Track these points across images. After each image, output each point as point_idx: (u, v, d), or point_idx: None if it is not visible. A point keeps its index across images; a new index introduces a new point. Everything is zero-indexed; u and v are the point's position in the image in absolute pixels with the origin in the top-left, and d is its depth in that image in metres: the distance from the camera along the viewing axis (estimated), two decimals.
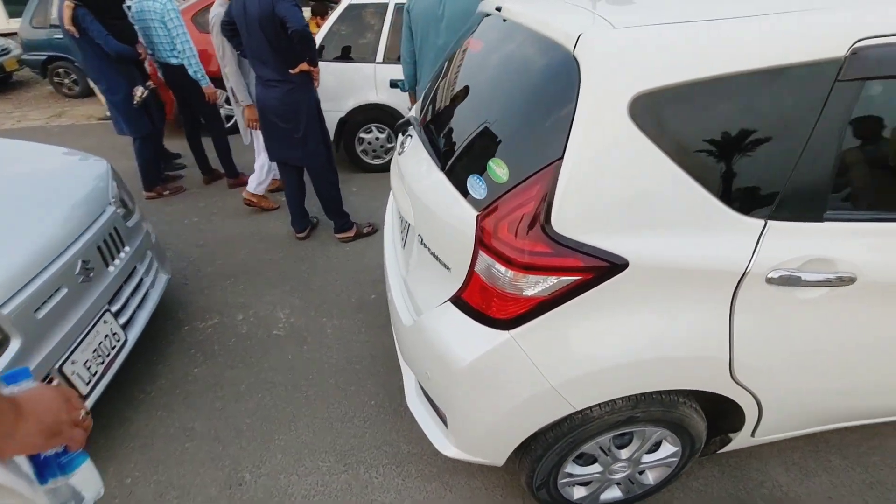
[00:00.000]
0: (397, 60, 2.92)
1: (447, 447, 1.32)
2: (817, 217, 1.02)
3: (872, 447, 1.72)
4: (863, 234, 1.05)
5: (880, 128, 1.04)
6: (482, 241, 1.05)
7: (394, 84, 3.38)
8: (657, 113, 0.92)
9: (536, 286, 1.01)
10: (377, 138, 3.85)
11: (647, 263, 0.99)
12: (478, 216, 1.06)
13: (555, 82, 1.01)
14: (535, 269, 0.99)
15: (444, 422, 1.30)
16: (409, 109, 2.83)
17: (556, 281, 1.00)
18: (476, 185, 1.09)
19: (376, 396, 1.92)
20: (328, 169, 2.69)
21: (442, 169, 1.25)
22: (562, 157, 0.94)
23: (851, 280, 1.05)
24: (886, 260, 1.07)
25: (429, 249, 1.27)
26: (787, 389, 1.22)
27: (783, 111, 0.96)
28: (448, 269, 1.19)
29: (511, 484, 1.60)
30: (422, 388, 1.42)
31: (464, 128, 1.26)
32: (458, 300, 1.16)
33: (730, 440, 1.39)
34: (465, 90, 1.36)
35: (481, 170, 1.09)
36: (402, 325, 1.41)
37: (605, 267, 0.98)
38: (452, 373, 1.16)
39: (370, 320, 2.32)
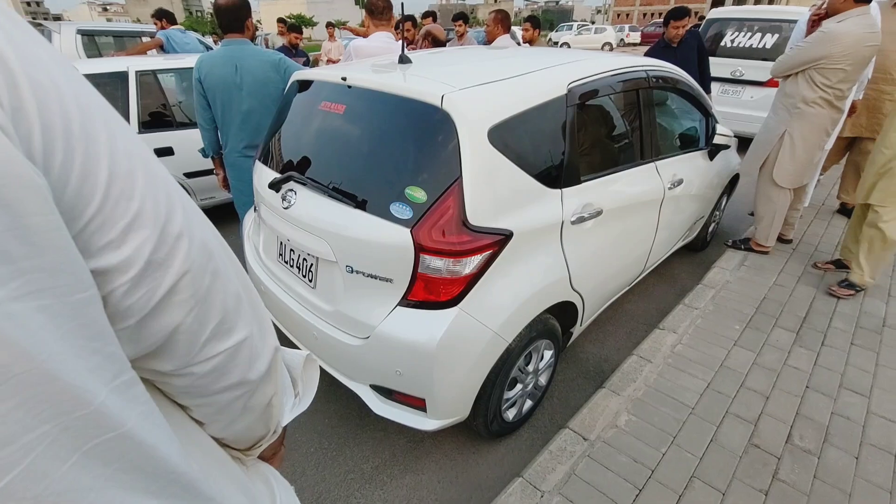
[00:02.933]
0: (158, 128, 2.76)
1: (428, 423, 1.61)
2: (578, 181, 1.81)
3: (617, 315, 2.84)
4: (599, 184, 1.90)
5: (593, 127, 1.92)
6: (422, 247, 1.43)
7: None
8: (502, 137, 1.50)
9: (468, 266, 1.46)
10: None
11: (521, 230, 1.56)
12: (411, 231, 1.43)
13: (435, 127, 1.47)
14: (465, 253, 1.44)
15: (421, 406, 1.59)
16: (217, 175, 2.78)
17: (479, 258, 1.47)
18: (401, 210, 1.45)
19: (313, 442, 1.97)
20: None
21: (358, 206, 1.54)
22: (461, 175, 1.41)
23: (601, 211, 1.88)
24: (611, 196, 1.95)
25: (364, 273, 1.55)
26: (593, 284, 2.02)
27: (552, 126, 1.68)
28: (390, 280, 1.51)
29: (464, 438, 1.98)
30: (380, 392, 1.66)
31: (364, 172, 1.59)
32: (407, 302, 1.50)
33: (571, 334, 2.14)
34: (349, 144, 1.67)
35: (401, 197, 1.46)
36: (348, 349, 1.61)
37: (503, 239, 1.51)
38: (426, 357, 1.48)
39: None
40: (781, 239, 3.24)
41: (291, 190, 1.77)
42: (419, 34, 3.25)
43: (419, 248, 1.43)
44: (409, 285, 1.48)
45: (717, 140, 2.72)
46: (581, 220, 1.79)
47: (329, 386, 2.06)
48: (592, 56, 2.07)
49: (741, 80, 5.82)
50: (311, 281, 1.77)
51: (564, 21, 52.11)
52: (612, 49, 23.85)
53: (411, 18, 4.34)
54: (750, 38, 5.76)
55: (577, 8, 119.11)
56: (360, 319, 1.60)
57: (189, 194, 3.91)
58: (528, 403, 2.04)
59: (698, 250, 3.57)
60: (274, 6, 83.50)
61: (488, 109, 1.49)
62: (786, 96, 2.81)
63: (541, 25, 4.82)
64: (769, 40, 5.63)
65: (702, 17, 6.38)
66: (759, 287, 2.76)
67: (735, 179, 3.51)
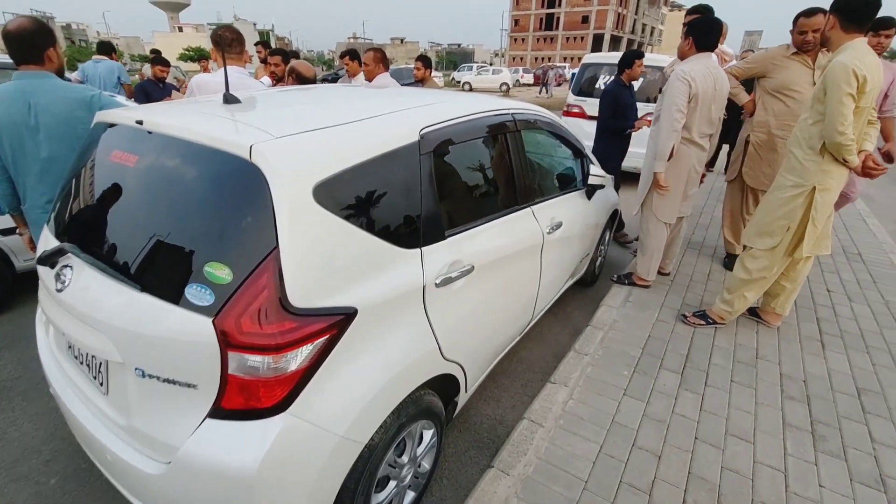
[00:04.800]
0: None
1: None
2: (443, 237, 1.60)
3: (512, 366, 2.67)
4: (468, 238, 1.71)
5: (457, 176, 1.74)
6: (228, 343, 1.09)
7: None
8: (335, 194, 1.23)
9: (296, 359, 1.14)
10: None
11: (369, 304, 1.29)
12: (213, 321, 1.09)
13: (240, 185, 1.16)
14: (289, 345, 1.12)
15: None
16: (20, 234, 2.19)
17: (310, 347, 1.16)
18: (199, 293, 1.11)
19: None
20: None
21: (145, 290, 1.16)
22: (277, 245, 1.11)
23: (472, 268, 1.69)
24: (484, 249, 1.77)
25: (158, 378, 1.16)
26: (472, 347, 1.79)
27: (404, 178, 1.46)
28: (194, 386, 1.14)
29: None
30: None
31: (155, 244, 1.21)
32: (218, 411, 1.13)
33: (456, 403, 1.89)
34: (139, 206, 1.29)
35: (199, 277, 1.11)
36: (148, 478, 1.20)
37: (343, 319, 1.22)
38: (243, 487, 1.12)
39: None
40: (661, 272, 3.36)
41: (67, 265, 1.34)
42: (286, 71, 2.96)
43: (226, 343, 1.09)
44: (218, 391, 1.12)
45: (591, 181, 2.74)
46: (448, 280, 1.57)
47: None
48: (453, 98, 1.93)
49: None
50: (102, 384, 1.33)
51: (466, 62, 55.30)
52: (508, 88, 25.52)
53: (281, 52, 4.04)
54: None
55: (477, 51, 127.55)
56: (159, 438, 1.20)
57: (7, 255, 3.06)
58: (411, 495, 1.73)
59: (588, 285, 3.60)
60: (169, 38, 78.44)
61: (316, 161, 1.22)
62: (650, 144, 2.96)
63: (432, 65, 4.78)
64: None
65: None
66: (643, 324, 2.76)
67: (615, 214, 3.62)
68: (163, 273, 1.18)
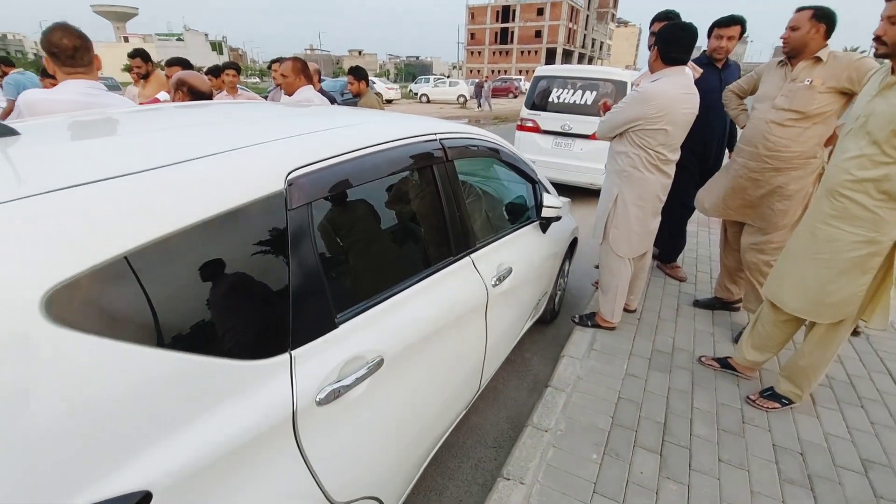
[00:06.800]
0: None
1: None
2: (332, 325, 1.09)
3: (460, 437, 2.18)
4: (370, 320, 1.21)
5: (347, 234, 1.23)
6: None
7: None
8: (85, 300, 0.70)
9: None
10: None
11: (179, 479, 0.76)
12: None
13: None
14: None
15: None
16: None
17: None
18: None
19: None
20: None
21: None
22: None
23: (381, 360, 1.19)
24: (398, 329, 1.28)
25: None
26: (387, 467, 1.29)
27: (254, 249, 0.94)
28: None
29: None
30: None
31: None
32: None
33: None
34: None
35: None
36: None
37: None
38: None
39: None
40: (626, 309, 2.97)
41: None
42: (170, 83, 2.38)
43: None
44: None
45: (546, 213, 2.31)
46: (338, 392, 1.06)
47: None
48: (361, 121, 1.43)
49: (570, 134, 6.04)
50: None
51: (425, 74, 55.39)
52: (466, 100, 25.41)
53: (180, 62, 3.44)
54: (573, 95, 6.03)
55: (435, 63, 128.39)
56: None
57: None
58: None
59: (548, 322, 3.18)
60: (114, 48, 73.95)
61: (63, 247, 0.69)
62: (613, 159, 2.56)
63: (367, 77, 4.28)
64: (589, 97, 5.94)
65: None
66: (611, 381, 2.34)
67: (574, 242, 3.24)
68: None
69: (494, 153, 2.05)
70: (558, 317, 3.31)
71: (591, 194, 6.12)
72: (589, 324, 2.86)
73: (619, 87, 5.73)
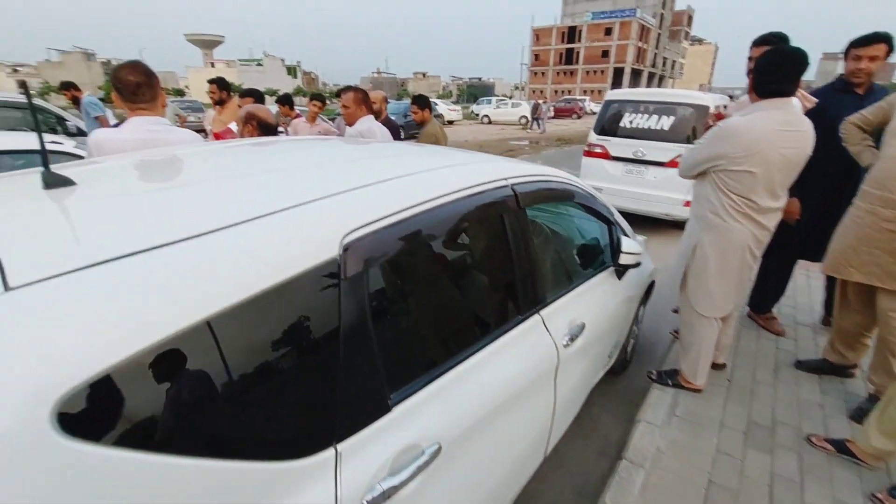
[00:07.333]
0: None
1: None
2: (385, 408, 0.95)
3: None
4: (428, 398, 1.05)
5: (404, 301, 1.09)
6: None
7: None
8: (106, 408, 0.60)
9: None
10: None
11: None
12: None
13: None
14: None
15: None
16: None
17: None
18: None
19: None
20: None
21: None
22: None
23: (438, 450, 1.02)
24: (457, 410, 1.11)
25: None
26: None
27: (297, 327, 0.82)
28: None
29: None
30: None
31: None
32: None
33: None
34: None
35: None
36: None
37: None
38: None
39: None
40: (714, 365, 2.60)
41: None
42: (239, 117, 2.42)
43: None
44: None
45: (623, 260, 2.06)
46: (395, 489, 0.90)
47: None
48: (414, 169, 1.29)
49: (644, 161, 5.66)
50: None
51: (486, 95, 55.98)
52: (528, 122, 25.21)
53: (252, 94, 3.56)
54: (647, 120, 5.67)
55: (497, 84, 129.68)
56: None
57: None
58: None
59: (619, 373, 2.87)
60: (201, 73, 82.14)
61: (90, 339, 0.60)
62: (696, 202, 2.26)
63: (430, 105, 4.25)
64: (665, 122, 5.56)
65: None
66: (699, 459, 2.01)
67: (651, 286, 2.92)
68: None
69: (570, 196, 1.85)
70: (630, 366, 2.99)
71: (666, 225, 5.68)
72: (669, 383, 2.53)
73: (700, 113, 5.31)
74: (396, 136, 4.20)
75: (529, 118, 24.04)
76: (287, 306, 0.80)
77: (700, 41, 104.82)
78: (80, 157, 2.77)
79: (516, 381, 1.33)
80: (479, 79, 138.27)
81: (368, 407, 0.91)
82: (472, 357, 1.20)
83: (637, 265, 2.18)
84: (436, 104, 24.26)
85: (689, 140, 5.30)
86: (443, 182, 1.20)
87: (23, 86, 1.13)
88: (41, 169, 0.94)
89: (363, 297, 0.91)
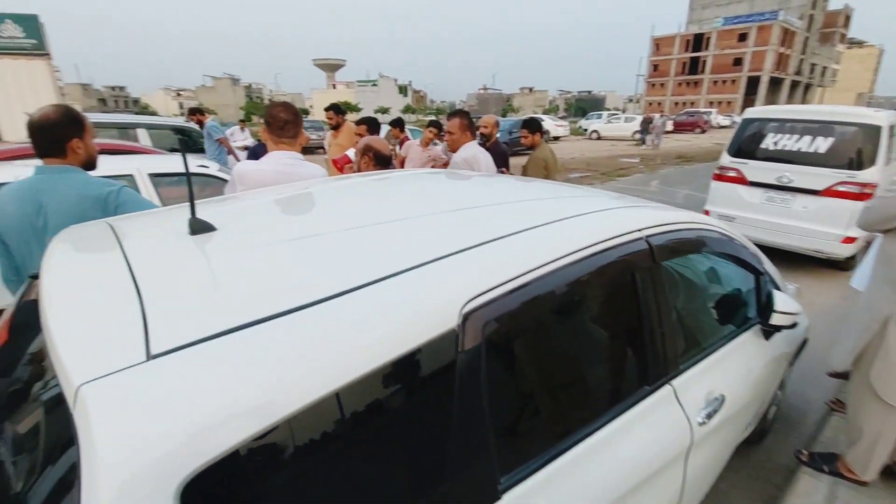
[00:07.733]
0: None
1: None
2: (494, 496, 0.85)
3: None
4: (542, 485, 0.93)
5: (513, 368, 0.99)
6: None
7: None
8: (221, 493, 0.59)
9: None
10: None
11: None
12: None
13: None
14: None
15: None
16: None
17: None
18: None
19: None
20: None
21: None
22: None
23: None
24: (566, 499, 0.97)
25: None
26: None
27: (406, 408, 0.77)
28: None
29: None
30: None
31: None
32: None
33: None
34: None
35: None
36: None
37: None
38: None
39: None
40: (890, 469, 2.05)
41: None
42: (357, 148, 2.55)
43: None
44: None
45: (776, 321, 1.72)
46: None
47: None
48: (539, 220, 1.16)
49: (790, 188, 4.86)
50: None
51: (597, 109, 53.70)
52: (639, 138, 23.59)
53: (368, 122, 3.74)
54: (798, 141, 4.88)
55: (609, 97, 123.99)
56: None
57: None
58: None
59: (754, 443, 2.43)
60: (324, 94, 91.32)
61: (219, 412, 0.60)
62: (884, 263, 1.82)
63: (541, 129, 4.12)
64: (821, 144, 4.73)
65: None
66: None
67: (803, 344, 2.45)
68: None
69: (715, 246, 1.59)
70: (767, 436, 2.52)
71: (813, 262, 4.82)
72: (825, 469, 2.06)
73: (868, 133, 4.43)
74: (504, 162, 4.13)
75: (640, 133, 22.44)
76: (400, 387, 0.75)
77: (860, 44, 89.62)
78: (224, 181, 3.13)
79: (641, 467, 1.14)
80: (589, 92, 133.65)
81: (472, 493, 0.82)
82: (590, 437, 1.05)
83: (793, 326, 1.82)
84: (542, 119, 23.87)
85: (852, 166, 4.45)
86: (569, 238, 1.08)
87: (180, 132, 1.26)
88: (188, 213, 1.02)
89: (479, 372, 0.83)
